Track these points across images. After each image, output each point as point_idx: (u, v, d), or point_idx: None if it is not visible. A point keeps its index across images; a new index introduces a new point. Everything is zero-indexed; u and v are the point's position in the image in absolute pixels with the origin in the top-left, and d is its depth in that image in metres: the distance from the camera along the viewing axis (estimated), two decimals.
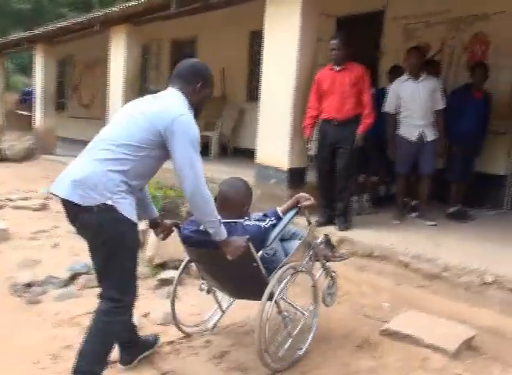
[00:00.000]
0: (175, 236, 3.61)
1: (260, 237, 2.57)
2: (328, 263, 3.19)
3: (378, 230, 4.62)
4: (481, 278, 3.49)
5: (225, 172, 6.02)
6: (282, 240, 2.87)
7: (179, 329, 3.01)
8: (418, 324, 3.15)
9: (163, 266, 4.03)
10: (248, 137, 8.46)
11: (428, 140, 4.89)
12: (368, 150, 4.91)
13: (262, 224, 2.64)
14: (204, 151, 8.07)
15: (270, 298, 2.51)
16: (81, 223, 2.19)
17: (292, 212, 2.80)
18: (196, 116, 2.40)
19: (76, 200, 2.10)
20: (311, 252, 2.97)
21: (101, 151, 2.18)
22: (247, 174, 5.45)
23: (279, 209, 2.86)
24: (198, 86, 2.42)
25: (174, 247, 4.07)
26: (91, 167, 2.14)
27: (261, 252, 2.54)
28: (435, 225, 4.89)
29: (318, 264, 3.11)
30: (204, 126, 8.34)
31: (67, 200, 2.13)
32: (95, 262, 2.30)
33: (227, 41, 8.97)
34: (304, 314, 2.82)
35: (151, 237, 4.10)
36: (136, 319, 3.07)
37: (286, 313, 2.69)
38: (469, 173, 5.30)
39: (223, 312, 3.16)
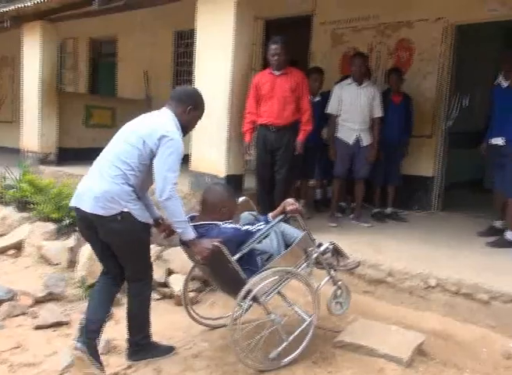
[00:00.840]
0: None
1: (237, 240, 2.73)
2: (334, 272, 3.19)
3: (317, 234, 4.56)
4: (424, 282, 3.53)
5: None
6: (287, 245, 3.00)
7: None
8: (370, 333, 3.12)
9: None
10: None
11: (364, 144, 4.95)
12: (307, 154, 4.86)
13: (247, 228, 2.80)
14: None
15: (254, 299, 2.71)
16: (106, 230, 2.63)
17: (277, 218, 2.93)
18: (185, 134, 2.81)
19: (100, 212, 2.57)
20: (308, 259, 2.97)
21: (109, 168, 2.61)
22: (180, 181, 5.26)
23: (270, 215, 3.00)
24: (188, 108, 2.79)
25: None
26: (106, 184, 2.58)
27: (238, 255, 2.66)
28: (372, 226, 4.98)
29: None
30: None
31: (91, 213, 2.58)
32: (120, 257, 2.75)
33: (150, 42, 8.64)
34: (305, 319, 2.94)
35: (82, 256, 3.76)
36: (68, 352, 2.79)
37: (273, 316, 2.79)
38: (397, 176, 5.43)
39: None
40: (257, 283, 2.69)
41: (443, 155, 5.88)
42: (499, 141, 4.48)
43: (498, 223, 4.69)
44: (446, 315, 3.41)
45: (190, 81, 8.22)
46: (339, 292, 3.18)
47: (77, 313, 3.38)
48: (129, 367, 2.81)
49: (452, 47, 5.73)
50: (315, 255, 3.03)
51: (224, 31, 4.61)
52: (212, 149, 4.79)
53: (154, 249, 4.08)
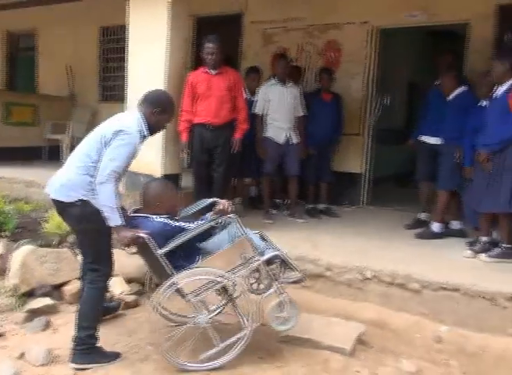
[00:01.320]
0: (41, 259, 3.60)
1: (166, 234, 2.79)
2: (278, 284, 2.96)
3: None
4: (361, 274, 3.69)
5: None
6: None
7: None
8: (313, 327, 3.22)
9: (30, 294, 3.50)
10: None
11: (294, 142, 5.09)
12: (244, 152, 4.91)
13: (179, 224, 2.85)
14: (56, 155, 7.43)
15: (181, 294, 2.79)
16: (67, 215, 2.90)
17: (209, 218, 2.99)
18: (152, 134, 3.02)
19: (62, 199, 2.82)
20: (245, 266, 2.86)
21: (75, 161, 2.86)
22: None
23: (209, 214, 3.05)
24: (155, 111, 2.94)
25: (41, 271, 3.61)
26: (71, 174, 2.83)
27: (162, 250, 2.71)
28: (307, 222, 5.12)
29: None
30: (53, 129, 7.59)
31: (54, 199, 2.87)
32: (79, 243, 3.05)
33: (74, 36, 8.29)
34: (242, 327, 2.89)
35: (14, 263, 3.56)
36: (10, 364, 2.65)
37: (199, 317, 2.83)
38: (328, 173, 5.62)
39: None
40: (183, 278, 2.73)
41: (370, 151, 6.17)
42: (431, 140, 4.74)
43: (423, 216, 5.00)
44: (381, 304, 3.59)
45: (117, 78, 8.04)
46: (279, 305, 2.94)
47: (11, 324, 3.20)
48: None
49: (376, 49, 6.01)
50: (257, 263, 2.89)
51: (158, 29, 4.54)
52: (147, 148, 4.63)
53: None
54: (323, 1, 6.14)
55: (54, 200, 2.90)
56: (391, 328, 3.41)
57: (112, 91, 8.13)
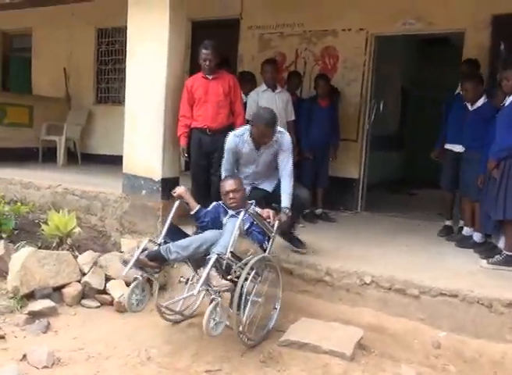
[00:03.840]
0: (41, 261, 3.38)
1: None
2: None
3: None
4: (360, 279, 3.72)
5: (85, 182, 5.53)
6: None
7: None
8: (313, 331, 3.25)
9: (31, 296, 3.50)
10: (99, 143, 7.91)
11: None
12: None
13: None
14: (52, 157, 7.39)
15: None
16: None
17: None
18: None
19: None
20: None
21: None
22: (112, 185, 5.11)
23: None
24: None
25: (41, 273, 3.61)
26: None
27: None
28: (304, 227, 5.14)
29: None
30: (49, 131, 7.55)
31: None
32: None
33: (70, 38, 8.23)
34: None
35: (14, 265, 3.54)
36: (13, 367, 2.64)
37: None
38: (325, 178, 5.66)
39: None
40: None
41: (366, 157, 6.22)
42: (456, 147, 4.77)
43: (448, 222, 5.06)
44: (380, 310, 3.62)
45: (113, 80, 8.03)
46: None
47: (11, 326, 3.20)
48: None
49: (372, 56, 6.08)
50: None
51: (158, 32, 4.55)
52: (147, 152, 4.72)
53: (90, 255, 3.96)
54: (320, 7, 6.20)
55: None
56: (389, 333, 3.44)
57: (108, 93, 8.11)
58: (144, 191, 4.72)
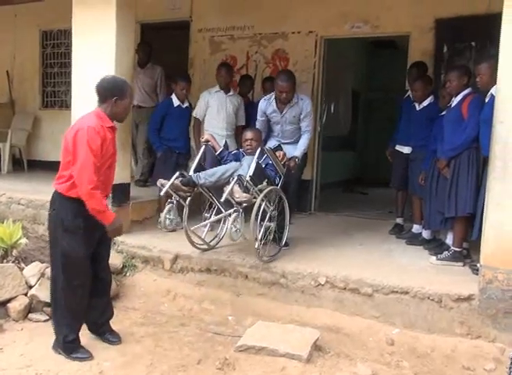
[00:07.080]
0: None
1: None
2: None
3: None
4: (315, 280, 3.74)
5: (31, 191, 5.32)
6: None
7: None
8: (270, 334, 3.23)
9: None
10: (46, 149, 7.62)
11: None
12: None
13: None
14: None
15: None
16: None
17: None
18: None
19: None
20: None
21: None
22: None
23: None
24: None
25: None
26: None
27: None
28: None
29: None
30: None
31: None
32: None
33: (12, 41, 7.90)
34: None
35: None
36: None
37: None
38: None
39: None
40: None
41: (319, 158, 6.29)
42: (405, 149, 4.88)
43: (399, 220, 5.15)
44: (335, 310, 3.65)
45: (59, 84, 7.77)
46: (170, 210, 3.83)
47: None
48: None
49: (322, 58, 6.16)
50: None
51: (105, 34, 4.43)
52: None
53: (37, 266, 3.80)
54: (270, 10, 6.22)
55: None
56: (345, 332, 3.47)
57: (55, 97, 7.84)
58: None
